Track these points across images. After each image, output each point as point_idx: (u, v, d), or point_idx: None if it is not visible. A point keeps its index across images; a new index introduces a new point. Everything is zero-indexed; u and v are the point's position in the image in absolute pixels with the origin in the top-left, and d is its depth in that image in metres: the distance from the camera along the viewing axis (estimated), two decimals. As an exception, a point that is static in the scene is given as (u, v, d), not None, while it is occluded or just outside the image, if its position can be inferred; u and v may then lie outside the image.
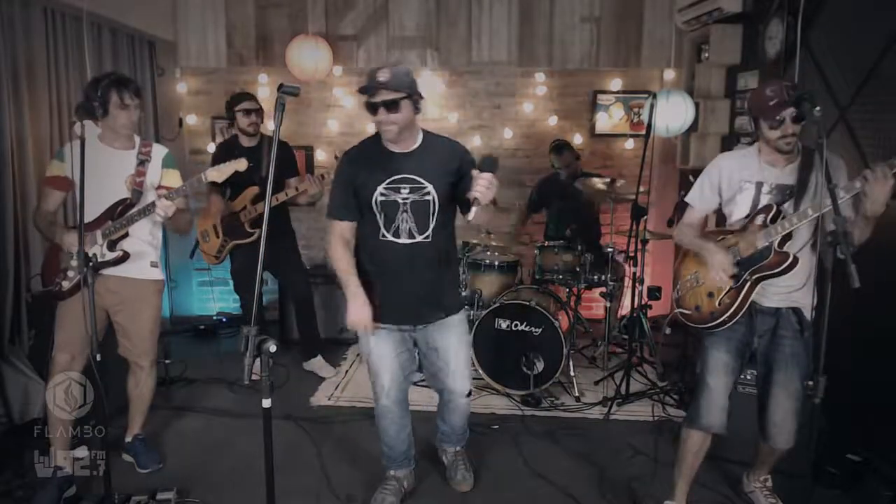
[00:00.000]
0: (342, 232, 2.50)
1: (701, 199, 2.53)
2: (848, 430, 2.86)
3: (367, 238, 2.49)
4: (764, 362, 2.44)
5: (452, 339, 2.57)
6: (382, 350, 2.55)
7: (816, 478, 2.67)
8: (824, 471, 2.77)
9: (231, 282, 4.28)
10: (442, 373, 2.61)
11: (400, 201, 2.40)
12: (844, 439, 2.85)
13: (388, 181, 2.39)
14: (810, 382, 1.90)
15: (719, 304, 2.39)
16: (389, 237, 2.43)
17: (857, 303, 2.17)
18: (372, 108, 2.29)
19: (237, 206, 3.96)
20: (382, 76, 2.24)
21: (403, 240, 2.43)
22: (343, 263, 2.48)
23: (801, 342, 2.36)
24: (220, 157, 2.71)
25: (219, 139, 5.29)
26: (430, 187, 2.39)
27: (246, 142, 3.97)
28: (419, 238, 2.43)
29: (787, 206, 2.31)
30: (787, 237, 2.27)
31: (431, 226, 2.44)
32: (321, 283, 4.69)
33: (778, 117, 2.22)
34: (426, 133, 2.49)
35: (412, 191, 2.40)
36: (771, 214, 2.30)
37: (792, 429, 2.39)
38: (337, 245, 2.50)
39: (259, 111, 3.95)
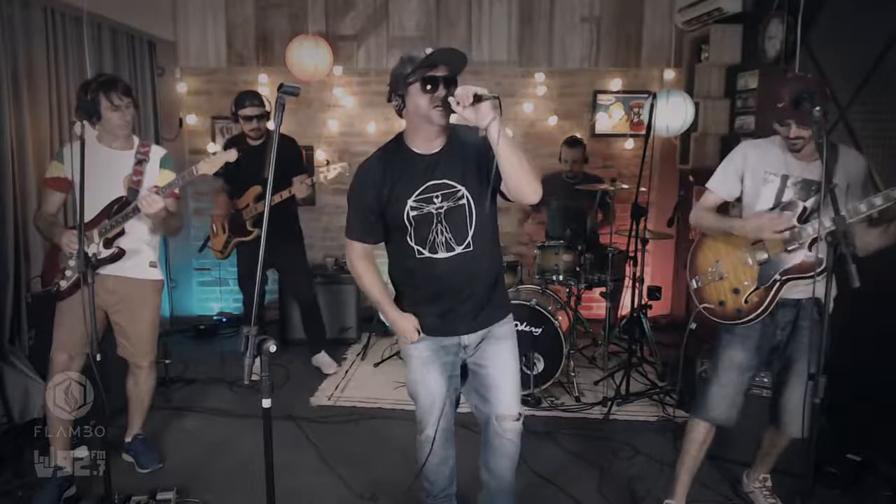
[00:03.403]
0: (363, 251, 2.22)
1: (724, 184, 2.46)
2: (848, 430, 2.86)
3: (403, 260, 2.18)
4: (783, 353, 2.43)
5: (504, 353, 2.25)
6: (429, 376, 2.25)
7: (816, 478, 2.66)
8: (824, 471, 2.77)
9: (237, 280, 4.34)
10: (492, 392, 2.27)
11: (434, 212, 2.09)
12: (844, 439, 2.85)
13: (417, 193, 2.08)
14: (810, 382, 1.90)
15: (746, 302, 2.35)
16: (426, 254, 2.12)
17: (856, 302, 2.17)
18: (431, 83, 1.97)
19: (240, 205, 3.99)
20: (448, 48, 2.00)
21: (441, 254, 2.11)
22: (368, 279, 2.22)
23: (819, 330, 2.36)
24: None
25: (219, 139, 5.30)
26: (462, 190, 2.08)
27: (253, 141, 3.96)
28: (459, 249, 2.11)
29: (812, 203, 2.26)
30: (818, 238, 2.23)
31: (470, 233, 2.12)
32: (321, 283, 4.69)
33: (783, 122, 2.22)
34: (453, 125, 2.15)
35: (445, 197, 2.08)
36: (798, 213, 2.25)
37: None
38: (358, 262, 2.22)
39: (261, 117, 3.88)
